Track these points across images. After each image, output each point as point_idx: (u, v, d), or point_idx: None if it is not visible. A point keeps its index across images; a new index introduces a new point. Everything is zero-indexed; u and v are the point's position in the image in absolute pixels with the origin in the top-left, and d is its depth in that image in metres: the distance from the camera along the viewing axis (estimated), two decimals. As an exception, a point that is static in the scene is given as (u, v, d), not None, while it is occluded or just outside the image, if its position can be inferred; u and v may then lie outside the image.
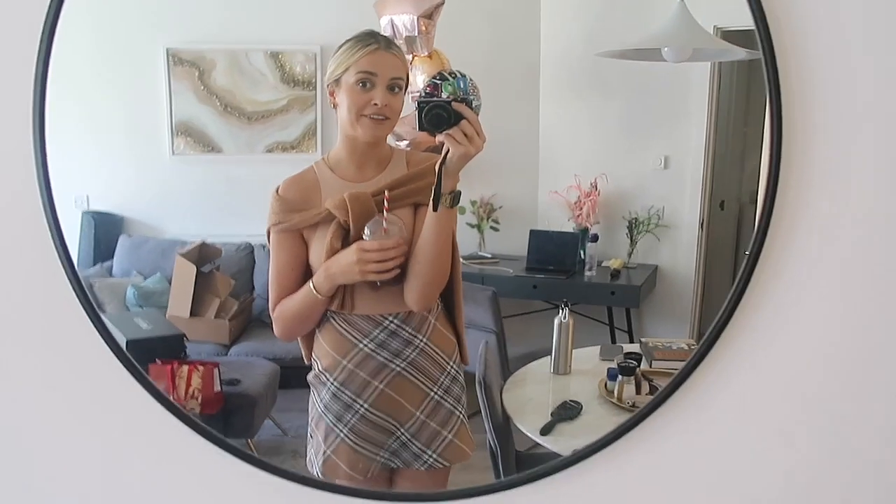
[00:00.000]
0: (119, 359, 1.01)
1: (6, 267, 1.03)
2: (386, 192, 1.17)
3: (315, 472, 1.24)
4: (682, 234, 1.61)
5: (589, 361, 1.46)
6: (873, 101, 0.94)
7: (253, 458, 1.03)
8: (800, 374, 1.02)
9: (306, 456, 1.28)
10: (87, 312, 1.01)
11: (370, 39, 1.16)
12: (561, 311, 1.44)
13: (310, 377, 1.26)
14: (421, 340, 1.22)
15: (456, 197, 1.10)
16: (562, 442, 1.10)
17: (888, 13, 0.92)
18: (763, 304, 0.99)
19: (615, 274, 1.64)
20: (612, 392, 1.31)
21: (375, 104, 1.14)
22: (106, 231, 1.57)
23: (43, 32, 0.96)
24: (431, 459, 1.23)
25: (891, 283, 0.99)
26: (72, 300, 1.01)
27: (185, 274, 1.55)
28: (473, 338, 1.44)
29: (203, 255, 1.57)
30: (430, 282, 1.17)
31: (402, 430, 1.23)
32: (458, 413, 1.25)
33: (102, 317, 1.00)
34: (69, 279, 1.00)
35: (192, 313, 1.55)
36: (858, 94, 0.94)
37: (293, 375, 1.51)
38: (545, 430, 1.26)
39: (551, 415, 1.30)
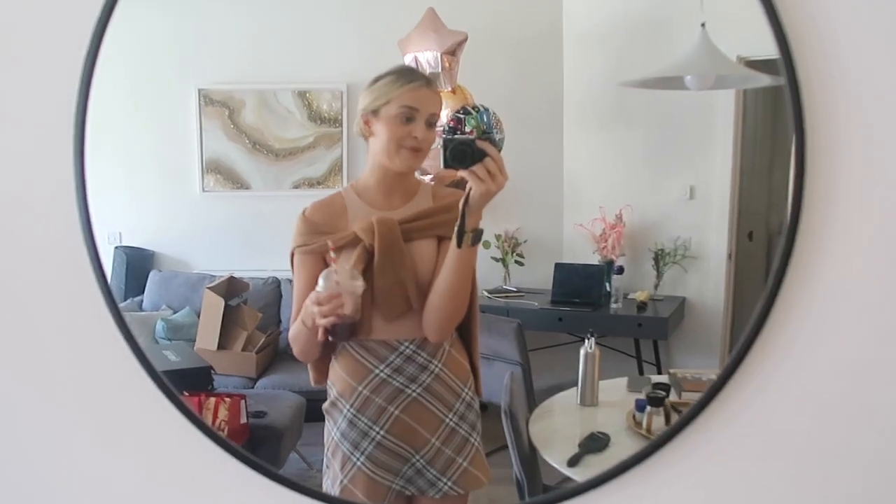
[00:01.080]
0: (159, 387, 1.04)
1: (49, 299, 1.06)
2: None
3: None
4: (709, 265, 1.60)
5: (616, 393, 1.44)
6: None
7: (286, 480, 1.03)
8: (820, 408, 1.01)
9: (322, 487, 1.27)
10: (129, 345, 1.03)
11: (413, 76, 1.19)
12: (587, 341, 1.42)
13: (325, 406, 1.26)
14: (436, 366, 1.21)
15: (478, 235, 1.12)
16: (590, 474, 1.08)
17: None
18: (782, 335, 0.98)
19: (642, 306, 1.62)
20: (641, 423, 1.29)
21: (415, 137, 1.16)
22: (137, 266, 1.60)
23: (83, 75, 1.00)
24: (447, 487, 1.23)
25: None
26: (114, 333, 1.03)
27: (213, 307, 1.57)
28: (499, 370, 1.43)
29: (231, 289, 1.59)
30: (448, 315, 1.18)
31: (418, 457, 1.22)
32: (472, 440, 1.24)
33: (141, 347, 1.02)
34: (111, 313, 1.02)
35: (220, 346, 1.57)
36: (885, 123, 0.94)
37: (319, 409, 1.51)
38: (573, 462, 1.23)
39: (579, 446, 1.28)
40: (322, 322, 1.12)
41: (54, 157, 1.02)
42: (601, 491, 1.04)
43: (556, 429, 1.47)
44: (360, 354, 1.21)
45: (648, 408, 1.28)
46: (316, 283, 1.14)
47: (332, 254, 1.16)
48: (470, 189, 1.08)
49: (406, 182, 1.22)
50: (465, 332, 1.24)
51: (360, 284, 1.13)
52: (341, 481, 1.22)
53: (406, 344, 1.20)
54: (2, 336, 1.07)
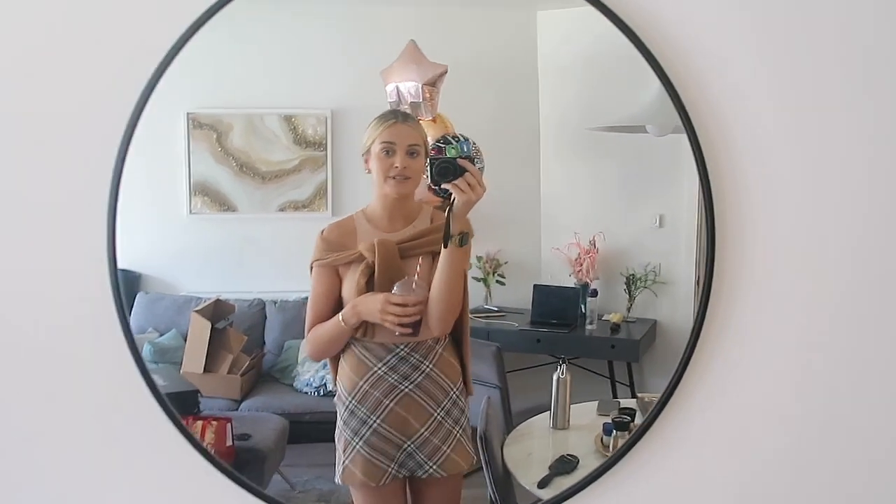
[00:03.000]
0: (161, 407, 1.19)
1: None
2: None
3: (336, 481, 1.43)
4: (679, 289, 1.65)
5: (587, 416, 1.49)
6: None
7: (272, 500, 1.19)
8: (749, 424, 1.21)
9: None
10: (137, 366, 1.19)
11: (390, 116, 1.42)
12: (559, 367, 1.47)
13: (335, 399, 1.45)
14: (427, 366, 1.40)
15: (464, 237, 1.33)
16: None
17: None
18: (713, 358, 1.18)
19: (615, 328, 1.68)
20: (608, 446, 1.34)
21: (396, 167, 1.38)
22: (124, 288, 1.61)
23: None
24: (432, 469, 1.41)
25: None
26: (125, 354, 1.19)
27: (200, 330, 1.60)
28: (477, 393, 1.48)
29: (217, 312, 1.61)
30: (447, 309, 1.38)
31: (409, 443, 1.41)
32: (455, 432, 1.42)
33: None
34: (125, 336, 1.19)
35: (206, 369, 1.60)
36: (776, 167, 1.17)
37: (301, 431, 1.55)
38: (542, 484, 1.30)
39: (549, 468, 1.34)
40: (402, 322, 1.35)
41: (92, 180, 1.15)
42: None
43: (530, 451, 1.52)
44: (362, 354, 1.41)
45: (615, 431, 1.34)
46: (331, 291, 1.40)
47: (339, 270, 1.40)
48: (454, 199, 1.29)
49: (406, 206, 1.42)
50: (456, 334, 1.43)
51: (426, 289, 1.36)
52: (343, 462, 1.42)
53: (401, 346, 1.40)
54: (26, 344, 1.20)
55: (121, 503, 1.25)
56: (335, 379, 1.46)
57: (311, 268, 1.43)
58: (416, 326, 1.37)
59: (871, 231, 1.18)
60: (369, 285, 1.37)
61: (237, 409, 1.60)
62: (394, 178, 1.38)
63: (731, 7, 1.15)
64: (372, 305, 1.36)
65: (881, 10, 1.14)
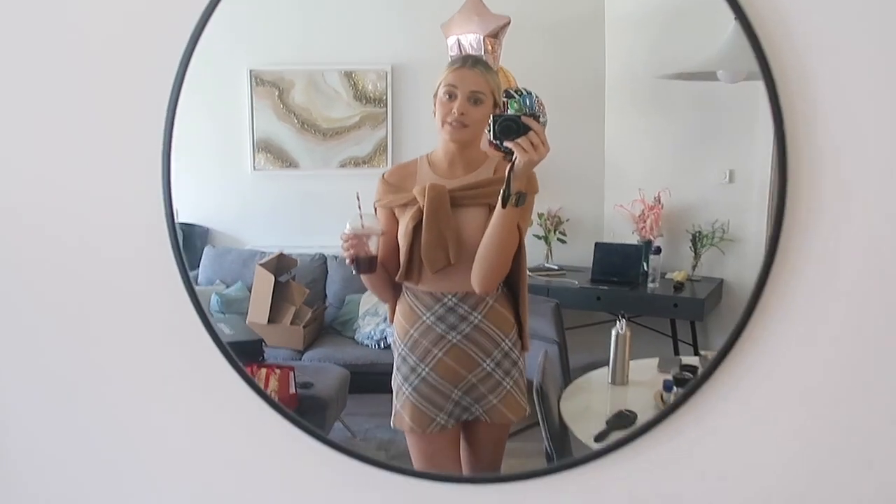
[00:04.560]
0: (226, 357, 1.24)
1: (133, 275, 1.24)
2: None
3: (391, 424, 1.45)
4: (748, 247, 1.59)
5: (647, 373, 1.47)
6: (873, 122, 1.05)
7: (333, 443, 1.23)
8: (809, 386, 1.14)
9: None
10: (199, 316, 1.22)
11: (459, 60, 1.40)
12: (618, 322, 1.45)
13: (391, 343, 1.47)
14: (476, 318, 1.38)
15: (521, 197, 1.28)
16: (614, 449, 1.14)
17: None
18: (776, 315, 1.12)
19: (678, 286, 1.64)
20: (668, 403, 1.32)
21: (454, 112, 1.35)
22: (193, 242, 1.66)
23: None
24: (478, 412, 1.41)
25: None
26: (187, 304, 1.22)
27: (264, 283, 1.64)
28: (535, 348, 1.47)
29: (280, 266, 1.66)
30: (491, 267, 1.35)
31: (456, 391, 1.40)
32: (505, 384, 1.41)
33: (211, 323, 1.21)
34: (185, 287, 1.21)
35: (270, 320, 1.64)
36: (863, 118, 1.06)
37: (362, 381, 1.58)
38: (599, 438, 1.29)
39: (606, 423, 1.33)
40: (345, 255, 1.36)
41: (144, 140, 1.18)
42: (621, 454, 1.18)
43: (587, 406, 1.51)
44: (413, 302, 1.41)
45: (675, 388, 1.32)
46: (389, 232, 1.39)
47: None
48: (515, 158, 1.25)
49: (467, 154, 1.39)
50: (512, 288, 1.40)
51: (378, 228, 1.37)
52: (395, 406, 1.44)
53: (449, 296, 1.38)
54: (94, 307, 1.26)
55: (185, 444, 1.30)
56: (391, 322, 1.47)
57: (375, 210, 1.43)
58: (363, 263, 1.37)
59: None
60: (418, 230, 1.35)
61: (300, 360, 1.64)
62: (450, 123, 1.35)
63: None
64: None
65: None
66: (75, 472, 1.32)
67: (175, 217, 1.21)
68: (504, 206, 1.28)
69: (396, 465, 1.25)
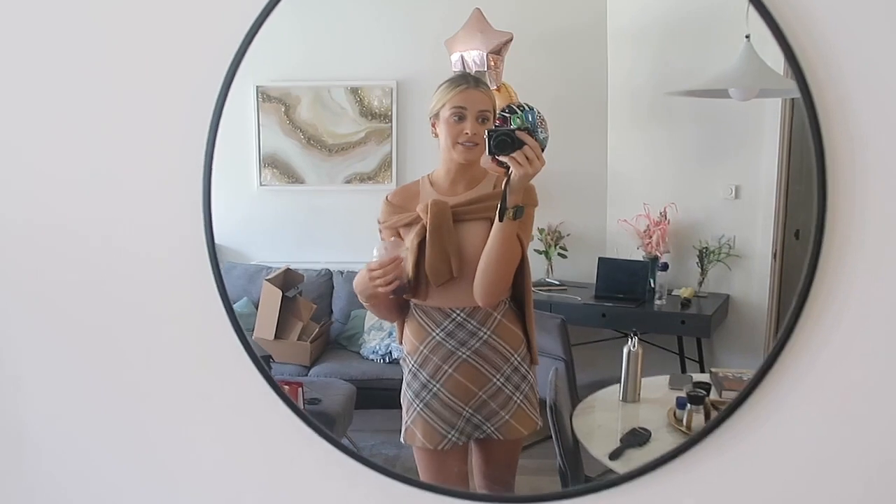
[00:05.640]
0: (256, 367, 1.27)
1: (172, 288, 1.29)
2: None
3: (401, 440, 1.46)
4: (754, 263, 1.59)
5: (658, 390, 1.46)
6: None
7: (373, 464, 1.26)
8: (847, 409, 1.09)
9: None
10: (236, 333, 1.27)
11: (461, 80, 1.41)
12: (630, 340, 1.45)
13: (401, 360, 1.48)
14: (485, 333, 1.40)
15: (519, 210, 1.31)
16: (631, 466, 1.12)
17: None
18: (813, 336, 1.07)
19: (685, 303, 1.63)
20: (681, 420, 1.31)
21: (467, 133, 1.37)
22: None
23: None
24: (490, 431, 1.42)
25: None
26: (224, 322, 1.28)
27: (271, 298, 1.64)
28: (543, 365, 1.47)
29: (287, 281, 1.65)
30: (493, 281, 1.37)
31: (467, 409, 1.42)
32: (515, 399, 1.42)
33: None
34: (222, 300, 1.28)
35: (277, 336, 1.64)
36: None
37: (367, 397, 1.57)
38: (614, 455, 1.28)
39: (620, 440, 1.32)
40: (381, 284, 1.36)
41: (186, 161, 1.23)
42: (641, 482, 1.14)
43: (599, 423, 1.50)
44: (422, 318, 1.42)
45: (689, 406, 1.31)
46: None
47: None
48: (511, 172, 1.28)
49: (470, 173, 1.41)
50: (518, 302, 1.41)
51: (404, 248, 1.38)
52: (405, 422, 1.45)
53: (458, 311, 1.40)
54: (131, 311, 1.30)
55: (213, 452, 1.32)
56: (400, 340, 1.48)
57: (380, 231, 1.45)
58: (405, 286, 1.37)
59: None
60: (422, 246, 1.37)
61: (307, 375, 1.64)
62: (463, 144, 1.38)
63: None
64: (362, 279, 1.39)
65: None
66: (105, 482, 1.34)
67: (213, 237, 1.26)
68: (501, 219, 1.31)
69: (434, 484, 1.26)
